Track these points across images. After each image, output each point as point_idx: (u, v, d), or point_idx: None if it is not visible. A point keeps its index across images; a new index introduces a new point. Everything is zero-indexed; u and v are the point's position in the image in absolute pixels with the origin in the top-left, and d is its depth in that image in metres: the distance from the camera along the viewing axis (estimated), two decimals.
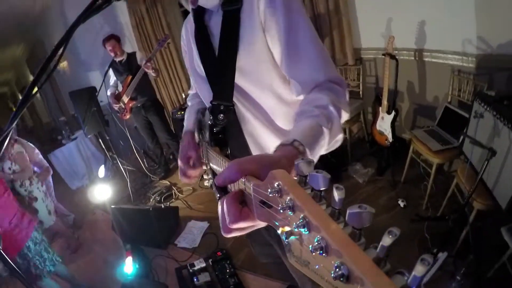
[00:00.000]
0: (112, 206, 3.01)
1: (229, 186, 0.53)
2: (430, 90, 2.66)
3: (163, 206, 3.45)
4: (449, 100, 2.40)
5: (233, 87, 0.83)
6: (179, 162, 1.00)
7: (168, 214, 3.15)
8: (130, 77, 3.51)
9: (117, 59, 3.50)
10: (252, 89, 0.85)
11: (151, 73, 3.46)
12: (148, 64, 3.34)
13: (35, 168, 2.88)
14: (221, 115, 0.83)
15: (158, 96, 4.42)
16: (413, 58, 2.62)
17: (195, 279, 2.32)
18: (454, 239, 1.86)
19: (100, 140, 3.64)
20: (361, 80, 3.15)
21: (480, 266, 1.67)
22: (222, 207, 0.47)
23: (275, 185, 0.36)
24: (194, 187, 3.75)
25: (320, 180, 0.34)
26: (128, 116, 3.71)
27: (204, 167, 1.02)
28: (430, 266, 0.23)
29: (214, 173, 0.94)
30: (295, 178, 0.37)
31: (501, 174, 1.57)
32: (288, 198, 0.33)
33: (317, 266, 0.29)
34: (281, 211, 0.34)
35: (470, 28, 2.05)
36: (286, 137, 0.58)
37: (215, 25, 0.84)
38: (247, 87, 0.85)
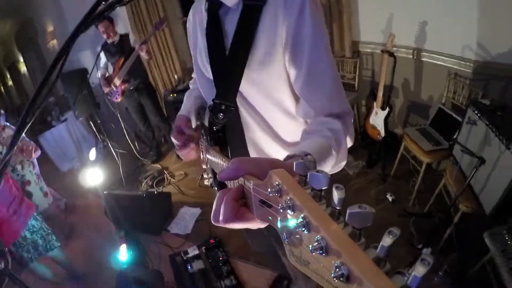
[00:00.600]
0: (105, 192, 3.00)
1: (229, 184, 0.54)
2: (425, 89, 2.70)
3: (155, 191, 3.46)
4: (443, 101, 2.45)
5: (238, 89, 0.80)
6: (173, 140, 0.97)
7: (161, 200, 3.16)
8: (122, 59, 3.40)
9: (110, 41, 3.38)
10: (260, 99, 0.84)
11: (144, 55, 3.37)
12: (143, 46, 3.25)
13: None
14: (221, 114, 0.81)
15: (150, 77, 4.32)
16: (411, 56, 2.63)
17: (189, 267, 2.38)
18: (438, 236, 1.96)
19: (91, 122, 3.57)
20: (357, 73, 3.16)
21: (461, 265, 1.78)
22: (221, 200, 0.46)
23: (275, 184, 0.36)
24: (186, 172, 3.76)
25: (320, 180, 0.34)
26: (120, 99, 3.63)
27: (204, 166, 1.03)
28: (430, 266, 0.23)
29: (214, 172, 0.94)
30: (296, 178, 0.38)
31: (488, 181, 1.64)
32: (288, 197, 0.33)
33: (317, 266, 0.29)
34: (281, 210, 0.34)
35: (471, 33, 2.07)
36: (297, 149, 0.58)
37: (231, 22, 0.79)
38: (254, 97, 0.84)
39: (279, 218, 0.36)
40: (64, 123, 4.06)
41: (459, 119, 2.06)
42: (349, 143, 0.75)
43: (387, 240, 0.25)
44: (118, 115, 3.81)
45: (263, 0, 0.73)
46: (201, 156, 1.04)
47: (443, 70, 2.40)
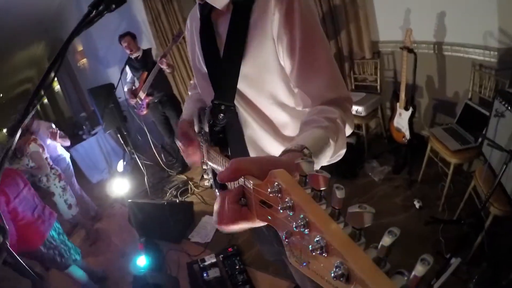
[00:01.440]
0: (129, 200, 3.11)
1: (229, 185, 0.53)
2: (450, 85, 2.52)
3: (177, 201, 3.52)
4: (469, 96, 2.26)
5: (236, 88, 0.81)
6: (178, 143, 1.00)
7: (183, 209, 3.21)
8: (146, 73, 3.57)
9: (133, 56, 3.57)
10: (255, 96, 0.84)
11: (165, 69, 3.50)
12: (163, 60, 3.38)
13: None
14: (221, 115, 0.82)
15: (176, 91, 4.47)
16: (432, 51, 2.48)
17: (205, 274, 2.36)
18: (469, 244, 1.77)
19: (118, 135, 3.75)
20: (378, 74, 3.04)
21: (494, 274, 1.58)
22: (223, 203, 0.47)
23: (275, 185, 0.36)
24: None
25: (320, 180, 0.34)
26: (145, 112, 3.79)
27: (204, 167, 1.02)
28: (429, 266, 0.22)
29: (214, 173, 0.94)
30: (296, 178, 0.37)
31: None
32: (288, 198, 0.33)
33: (317, 266, 0.29)
34: (281, 211, 0.34)
35: (491, 20, 1.90)
36: (294, 143, 0.58)
37: (222, 24, 0.82)
38: (249, 93, 0.84)
39: (279, 218, 0.36)
40: (94, 137, 4.31)
41: (487, 113, 1.88)
42: (348, 130, 0.74)
43: (387, 240, 0.25)
44: (145, 128, 3.97)
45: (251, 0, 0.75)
46: (202, 157, 1.04)
47: (467, 63, 2.22)
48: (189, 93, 1.24)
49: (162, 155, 4.45)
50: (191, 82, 1.24)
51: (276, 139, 0.90)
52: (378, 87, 3.09)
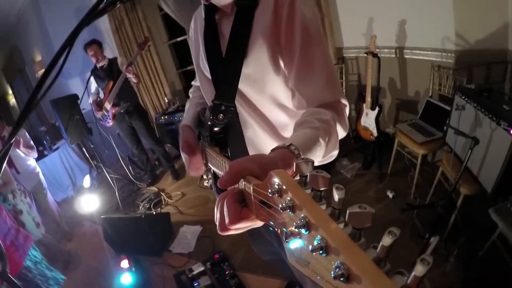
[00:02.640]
0: (102, 216, 2.94)
1: None
2: (411, 85, 2.79)
3: (154, 213, 3.40)
4: (430, 94, 2.54)
5: (237, 89, 0.82)
6: (182, 155, 0.97)
7: (161, 221, 3.10)
8: (111, 83, 3.43)
9: (99, 65, 3.42)
10: (255, 96, 0.86)
11: (132, 78, 3.40)
12: (130, 68, 3.28)
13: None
14: (221, 115, 0.82)
15: (141, 102, 4.34)
16: (394, 55, 2.74)
17: (196, 284, 2.31)
18: (444, 224, 1.97)
19: (84, 149, 3.54)
20: (343, 79, 3.25)
21: (471, 248, 1.78)
22: (222, 206, 0.47)
23: (275, 185, 0.36)
24: (183, 192, 3.73)
25: (320, 180, 0.34)
26: (112, 123, 3.62)
27: (204, 167, 1.02)
28: (430, 266, 0.23)
29: (214, 173, 0.94)
30: (295, 178, 0.38)
31: (485, 160, 1.69)
32: (288, 198, 0.33)
33: (317, 266, 0.29)
34: (281, 211, 0.34)
35: (448, 25, 2.17)
36: (284, 142, 0.59)
37: (226, 25, 0.83)
38: (250, 94, 0.86)
39: (279, 219, 0.36)
40: (56, 152, 4.00)
41: (448, 108, 2.13)
42: (342, 132, 0.76)
43: (387, 240, 0.25)
44: (111, 140, 3.79)
45: (255, 2, 0.77)
46: (202, 157, 1.05)
47: (427, 64, 2.49)
48: (190, 95, 1.24)
49: (130, 168, 4.27)
50: (193, 83, 1.23)
51: (276, 140, 0.92)
52: (344, 91, 3.30)
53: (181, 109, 4.43)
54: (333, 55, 3.21)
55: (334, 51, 3.19)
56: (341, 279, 0.24)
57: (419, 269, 0.23)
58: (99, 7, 0.65)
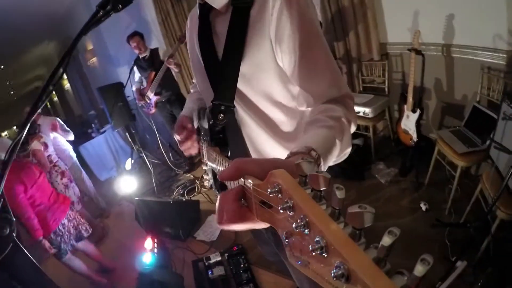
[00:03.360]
0: (136, 198, 3.15)
1: (229, 185, 0.53)
2: (458, 88, 2.49)
3: (184, 199, 3.55)
4: (478, 99, 2.24)
5: (235, 89, 0.81)
6: (175, 136, 1.01)
7: (189, 207, 3.24)
8: (153, 73, 3.61)
9: (141, 56, 3.61)
10: (251, 95, 0.85)
11: (173, 68, 3.54)
12: (170, 60, 3.41)
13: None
14: (221, 115, 0.82)
15: (184, 90, 4.51)
16: (440, 53, 2.45)
17: (210, 272, 2.38)
18: (475, 248, 1.76)
19: (127, 133, 3.80)
20: (387, 76, 3.02)
21: (500, 279, 1.56)
22: (223, 203, 0.47)
23: (275, 185, 0.36)
24: None
25: (320, 180, 0.34)
26: (153, 111, 3.83)
27: (204, 167, 1.03)
28: (430, 266, 0.23)
29: (214, 173, 0.94)
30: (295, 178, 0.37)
31: None
32: (288, 198, 0.33)
33: (317, 266, 0.29)
34: (281, 211, 0.34)
35: (501, 21, 1.88)
36: (300, 144, 0.58)
37: (221, 25, 0.82)
38: (246, 92, 0.84)
39: (279, 219, 0.36)
40: (103, 135, 4.36)
41: (495, 116, 1.86)
42: (353, 127, 0.74)
43: (386, 240, 0.25)
44: (153, 127, 4.01)
45: (250, 1, 0.76)
46: (202, 158, 1.05)
47: (476, 65, 2.19)
48: (191, 91, 1.26)
49: (170, 154, 4.49)
50: (193, 81, 1.24)
51: (274, 138, 0.91)
52: (386, 89, 3.07)
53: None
54: (376, 51, 2.99)
55: (378, 46, 2.96)
56: (341, 279, 0.24)
57: (419, 269, 0.23)
58: (94, 19, 0.72)
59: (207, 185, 1.07)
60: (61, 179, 3.06)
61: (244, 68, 0.79)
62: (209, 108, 0.86)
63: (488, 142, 1.77)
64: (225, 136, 0.86)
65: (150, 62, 3.64)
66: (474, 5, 2.05)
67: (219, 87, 0.83)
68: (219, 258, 2.52)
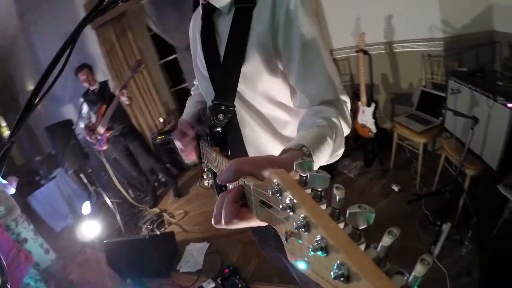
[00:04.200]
0: (105, 241, 2.86)
1: (229, 186, 0.54)
2: (404, 78, 2.83)
3: (158, 233, 3.32)
4: (423, 84, 2.57)
5: (236, 89, 0.81)
6: (175, 142, 1.00)
7: (165, 241, 3.02)
8: (104, 106, 3.41)
9: (91, 89, 3.42)
10: (253, 95, 0.86)
11: (125, 100, 3.40)
12: (124, 91, 3.28)
13: None
14: (221, 115, 0.81)
15: (135, 123, 4.34)
16: (384, 51, 2.78)
17: None
18: (453, 209, 1.95)
19: (81, 175, 3.48)
20: None
21: (484, 227, 1.75)
22: (221, 204, 0.47)
23: (275, 185, 0.36)
24: (186, 210, 3.66)
25: (320, 180, 0.34)
26: (105, 147, 3.57)
27: (204, 167, 1.02)
28: (430, 266, 0.23)
29: (214, 173, 0.93)
30: (295, 178, 0.38)
31: (486, 138, 1.70)
32: (288, 198, 0.33)
33: (317, 266, 0.28)
34: (281, 211, 0.34)
35: (434, 13, 2.22)
36: (292, 142, 0.59)
37: (223, 25, 0.83)
38: (247, 92, 0.85)
39: (279, 219, 0.36)
40: (53, 181, 3.94)
41: (443, 95, 2.16)
42: (346, 129, 0.75)
43: (386, 240, 0.25)
44: (107, 164, 3.73)
45: (253, 2, 0.77)
46: (202, 158, 1.04)
47: (417, 55, 2.53)
48: (192, 93, 1.25)
49: (130, 191, 4.21)
50: (194, 82, 1.23)
51: (275, 138, 0.92)
52: None
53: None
54: None
55: None
56: (341, 279, 0.24)
57: (419, 269, 0.23)
58: (102, 5, 0.66)
59: (207, 185, 1.05)
60: (28, 224, 2.63)
61: (245, 68, 0.80)
62: (209, 108, 0.87)
63: (443, 113, 2.02)
64: (225, 136, 0.86)
65: (100, 96, 3.44)
66: (409, 3, 2.39)
67: (220, 87, 0.84)
68: (213, 285, 2.38)
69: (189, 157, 1.02)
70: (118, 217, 3.58)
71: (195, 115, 1.07)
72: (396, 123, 2.59)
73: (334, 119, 0.69)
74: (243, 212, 0.46)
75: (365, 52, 2.55)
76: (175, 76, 5.01)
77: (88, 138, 3.51)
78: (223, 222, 0.46)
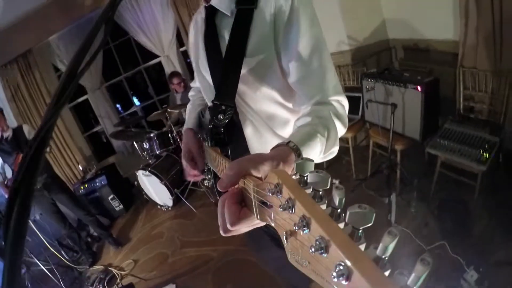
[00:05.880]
0: None
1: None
2: None
3: None
4: None
5: (236, 89, 0.83)
6: (183, 161, 0.99)
7: None
8: (21, 155, 2.98)
9: (4, 136, 2.95)
10: (252, 95, 0.87)
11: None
12: None
13: None
14: (221, 115, 0.82)
15: (57, 170, 3.86)
16: None
17: None
18: (393, 181, 2.35)
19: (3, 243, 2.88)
20: None
21: (424, 185, 2.17)
22: (223, 207, 0.48)
23: (275, 185, 0.36)
24: (134, 258, 3.29)
25: (320, 180, 0.34)
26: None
27: (205, 168, 1.03)
28: (430, 266, 0.24)
29: (214, 173, 0.96)
30: (295, 178, 0.38)
31: (405, 118, 2.18)
32: (288, 198, 0.33)
33: (317, 266, 0.29)
34: (281, 211, 0.34)
35: (340, 30, 2.68)
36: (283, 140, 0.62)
37: (225, 27, 0.84)
38: (247, 93, 0.87)
39: (279, 218, 0.36)
40: None
41: (358, 95, 2.67)
42: (341, 128, 0.77)
43: (387, 240, 0.26)
44: (33, 226, 3.18)
45: (254, 4, 0.79)
46: (202, 165, 1.05)
47: None
48: (190, 98, 1.25)
49: (63, 252, 3.59)
50: (192, 85, 1.24)
51: (276, 137, 0.93)
52: None
53: (99, 173, 4.02)
54: None
55: None
56: (341, 279, 0.24)
57: (419, 269, 0.24)
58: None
59: (208, 185, 1.07)
60: None
61: (246, 69, 0.82)
62: (209, 108, 0.89)
63: (364, 107, 2.47)
64: (225, 136, 0.87)
65: (14, 143, 2.98)
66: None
67: (220, 87, 0.84)
68: None
69: (195, 179, 1.02)
70: (62, 283, 3.06)
71: (197, 120, 1.09)
72: None
73: (328, 118, 0.72)
74: (244, 213, 0.46)
75: None
76: (86, 119, 4.74)
77: (5, 195, 2.98)
78: (229, 226, 0.46)
